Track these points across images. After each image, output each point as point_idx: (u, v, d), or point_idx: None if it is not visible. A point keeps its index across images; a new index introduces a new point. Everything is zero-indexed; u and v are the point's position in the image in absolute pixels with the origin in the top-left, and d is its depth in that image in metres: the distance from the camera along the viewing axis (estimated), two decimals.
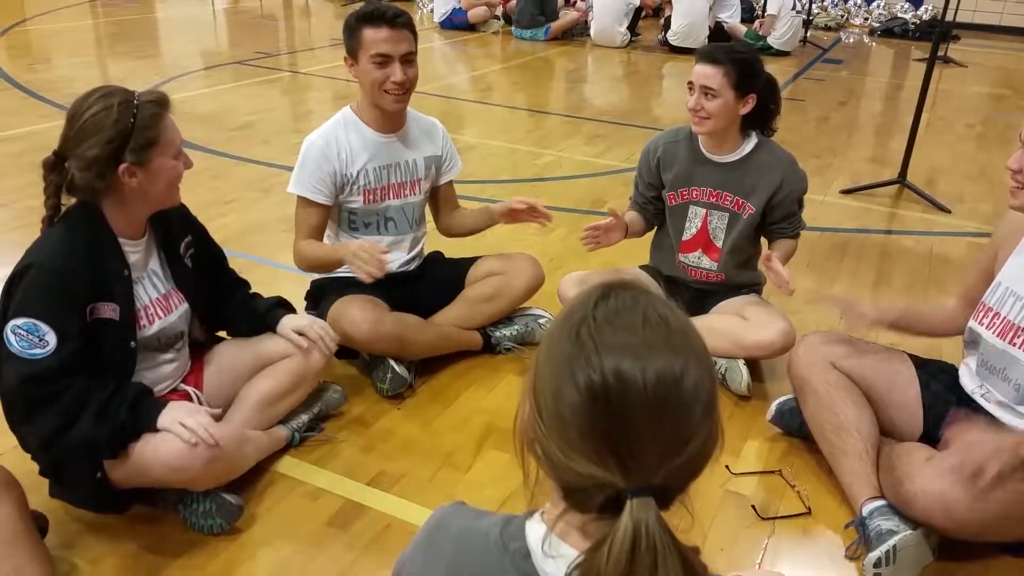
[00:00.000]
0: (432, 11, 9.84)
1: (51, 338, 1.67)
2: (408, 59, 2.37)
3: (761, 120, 2.53)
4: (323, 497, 2.03)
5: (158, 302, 1.93)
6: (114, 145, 1.71)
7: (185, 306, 2.01)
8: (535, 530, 0.91)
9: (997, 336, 1.92)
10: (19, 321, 1.66)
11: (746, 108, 2.42)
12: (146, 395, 1.81)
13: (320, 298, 2.55)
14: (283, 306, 2.24)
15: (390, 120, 2.49)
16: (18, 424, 1.76)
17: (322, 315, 2.45)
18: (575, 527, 0.87)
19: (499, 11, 9.74)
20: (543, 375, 0.85)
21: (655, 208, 2.71)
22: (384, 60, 2.33)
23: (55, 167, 1.75)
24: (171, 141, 1.81)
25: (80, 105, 1.74)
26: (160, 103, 1.79)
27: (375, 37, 2.32)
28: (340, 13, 10.51)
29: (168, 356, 1.99)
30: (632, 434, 0.79)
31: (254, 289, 2.27)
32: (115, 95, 1.74)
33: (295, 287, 2.85)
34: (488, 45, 8.91)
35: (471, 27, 9.43)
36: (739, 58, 2.39)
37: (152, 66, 6.99)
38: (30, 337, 1.66)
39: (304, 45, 8.48)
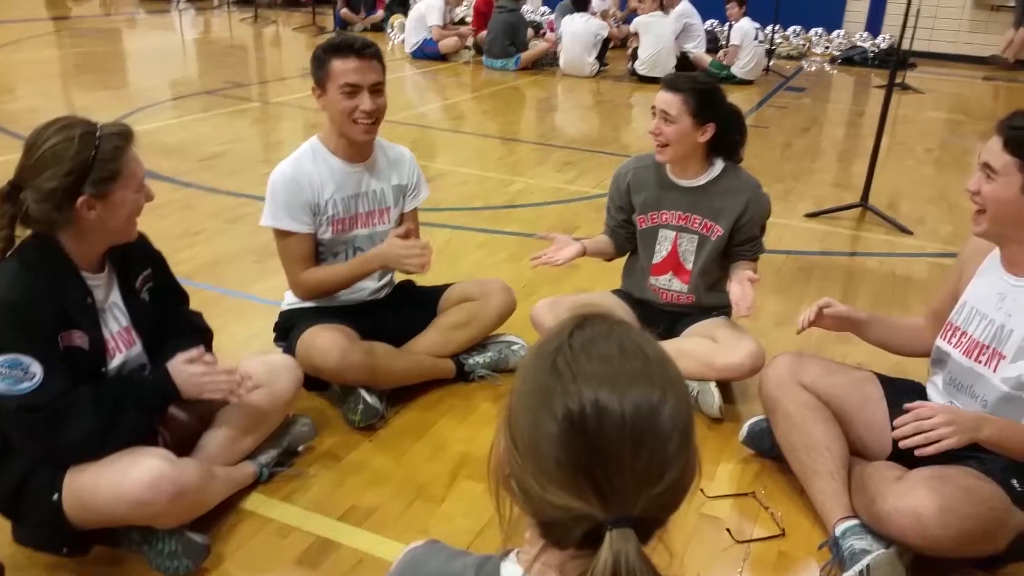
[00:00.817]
0: (403, 41, 9.90)
1: (36, 368, 1.65)
2: (377, 89, 2.38)
3: (726, 148, 2.56)
4: (292, 535, 1.99)
5: (119, 335, 1.90)
6: (73, 177, 1.68)
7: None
8: (511, 571, 0.89)
9: (963, 354, 1.96)
10: None
11: (704, 136, 2.46)
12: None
13: (289, 329, 2.52)
14: (197, 333, 2.09)
15: (357, 150, 2.49)
16: (41, 450, 1.72)
17: (291, 347, 2.43)
18: (553, 567, 0.85)
19: (470, 41, 9.82)
20: (519, 406, 0.84)
21: (626, 232, 2.73)
22: (353, 90, 2.34)
23: (9, 197, 1.71)
24: (133, 174, 1.78)
25: (39, 135, 1.71)
26: (123, 135, 1.77)
27: (344, 67, 2.32)
28: (311, 44, 10.54)
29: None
30: (610, 463, 0.78)
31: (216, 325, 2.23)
32: (76, 126, 1.71)
33: (264, 318, 2.84)
34: (459, 75, 8.98)
35: (442, 57, 9.50)
36: (699, 88, 2.45)
37: (119, 97, 6.94)
38: (14, 373, 1.63)
39: (275, 75, 8.48)
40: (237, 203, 4.33)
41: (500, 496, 0.88)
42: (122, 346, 1.90)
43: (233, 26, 11.88)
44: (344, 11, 11.42)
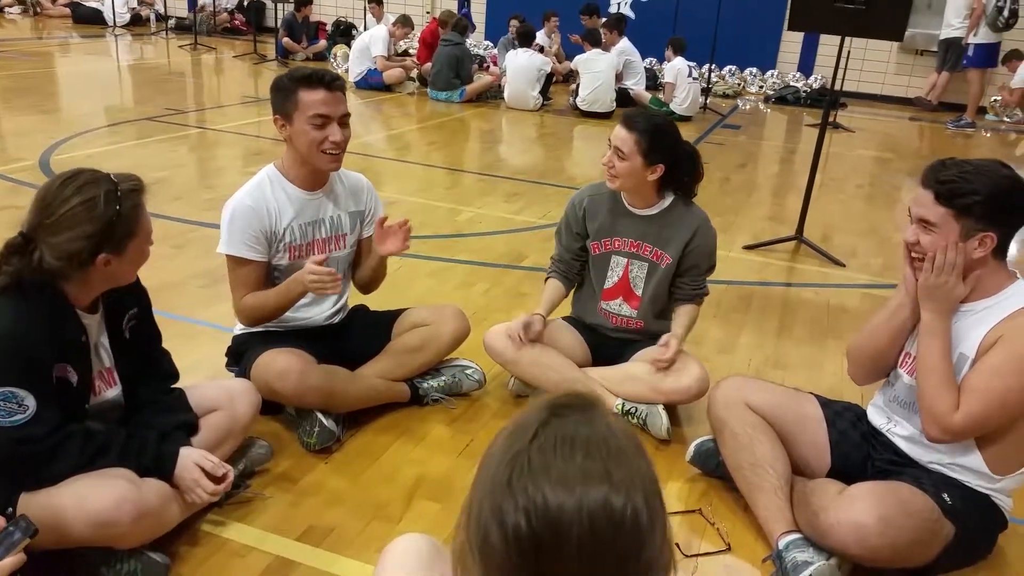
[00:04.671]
0: (347, 71, 9.95)
1: (30, 401, 1.67)
2: (344, 121, 2.42)
3: (677, 186, 2.68)
4: (251, 554, 2.00)
5: (102, 374, 1.93)
6: (96, 239, 1.71)
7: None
8: None
9: (909, 374, 2.08)
10: None
11: (653, 176, 2.57)
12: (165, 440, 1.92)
13: (242, 353, 2.52)
14: (184, 428, 2.06)
15: (316, 177, 2.52)
16: (21, 476, 1.73)
17: (244, 370, 2.43)
18: None
19: (414, 73, 9.92)
20: (475, 505, 0.80)
21: (580, 263, 2.82)
22: (324, 121, 2.36)
23: (20, 250, 1.71)
24: (147, 229, 1.83)
25: (58, 194, 1.71)
26: (139, 191, 1.80)
27: (313, 99, 2.35)
28: (253, 72, 10.51)
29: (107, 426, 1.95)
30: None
31: (175, 349, 2.22)
32: (98, 184, 1.73)
33: (213, 344, 2.84)
34: (404, 105, 9.05)
35: (387, 88, 9.57)
36: (652, 130, 2.55)
37: (54, 121, 6.80)
38: (8, 405, 1.65)
39: (213, 102, 8.42)
40: (182, 229, 4.30)
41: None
42: (104, 386, 1.93)
43: (171, 52, 11.76)
44: (286, 40, 11.42)
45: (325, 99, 2.36)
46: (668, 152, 2.57)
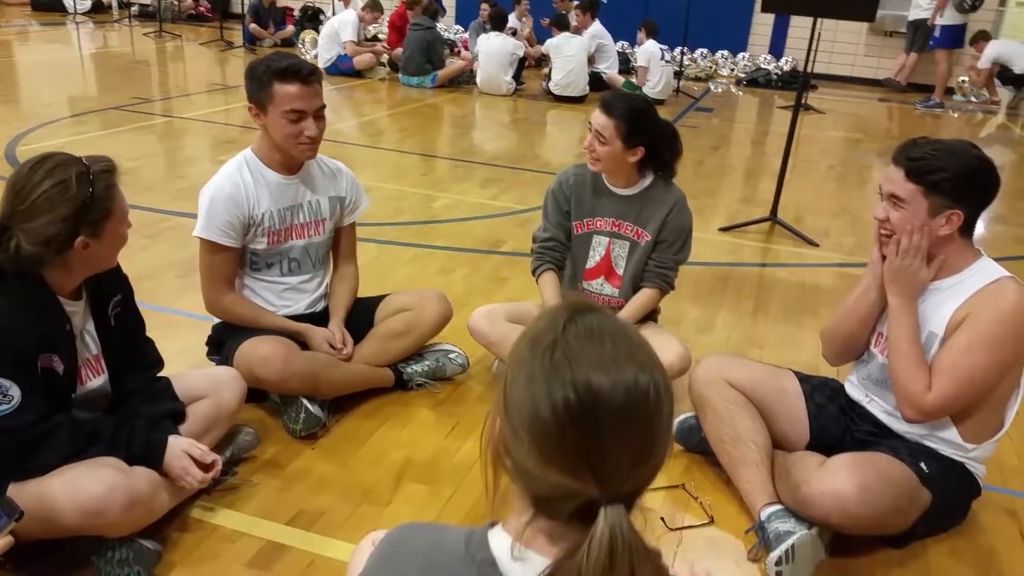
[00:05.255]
0: (316, 56, 9.85)
1: (15, 391, 1.66)
2: (319, 114, 2.40)
3: (658, 164, 2.70)
4: (241, 540, 2.01)
5: (89, 363, 1.92)
6: (72, 221, 1.70)
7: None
8: (499, 539, 0.96)
9: (883, 353, 2.13)
10: None
11: (634, 158, 2.60)
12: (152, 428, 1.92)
13: (224, 342, 2.52)
14: (171, 417, 2.06)
15: (292, 163, 2.51)
16: (8, 467, 1.72)
17: (227, 359, 2.43)
18: (542, 532, 0.93)
19: (385, 58, 9.86)
20: (517, 394, 0.91)
21: (568, 244, 2.81)
22: (299, 116, 2.35)
23: None
24: (122, 209, 1.82)
25: (28, 179, 1.70)
26: (112, 172, 1.79)
27: (288, 93, 2.32)
28: (219, 59, 10.38)
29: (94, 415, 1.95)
30: (606, 447, 0.86)
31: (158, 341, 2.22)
32: (68, 166, 1.72)
33: (192, 333, 2.83)
34: (375, 91, 9.00)
35: (357, 73, 9.51)
36: (631, 113, 2.56)
37: (16, 112, 6.68)
38: None
39: (180, 91, 8.31)
40: (155, 219, 4.27)
41: (490, 471, 0.95)
42: (91, 374, 1.92)
43: (136, 40, 11.57)
44: (253, 26, 11.28)
45: (300, 93, 2.33)
46: (648, 134, 2.60)
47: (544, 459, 0.87)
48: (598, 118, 2.58)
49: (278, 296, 2.59)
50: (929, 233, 1.96)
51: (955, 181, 1.91)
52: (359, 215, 2.74)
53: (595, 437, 0.86)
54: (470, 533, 0.99)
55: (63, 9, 13.24)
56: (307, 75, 2.34)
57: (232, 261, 2.48)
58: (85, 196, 1.71)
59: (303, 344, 2.50)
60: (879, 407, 2.16)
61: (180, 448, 1.92)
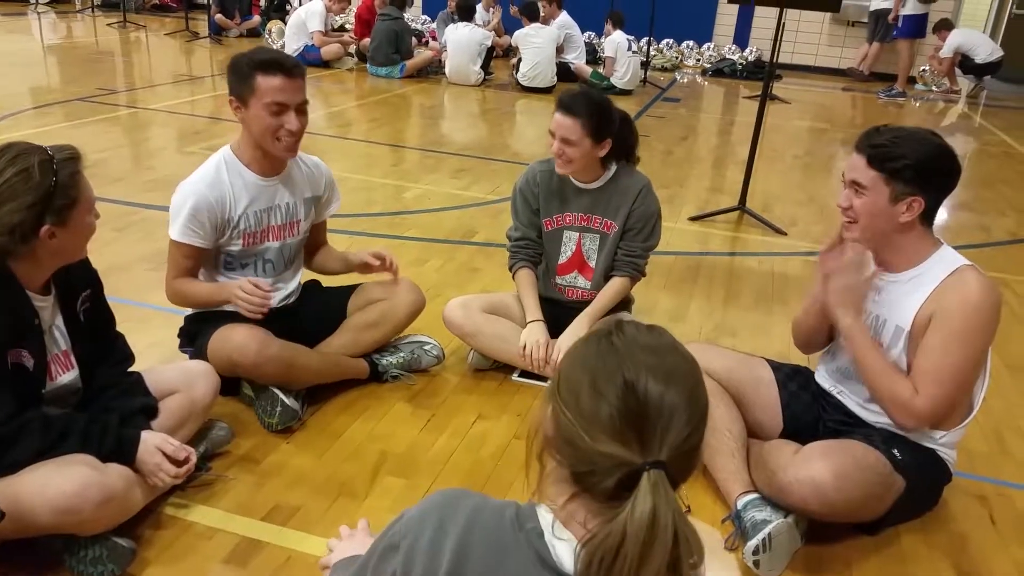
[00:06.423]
0: (283, 47, 9.73)
1: None
2: (302, 108, 2.36)
3: (622, 152, 2.71)
4: (217, 536, 1.99)
5: (58, 358, 1.88)
6: (36, 209, 1.66)
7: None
8: (545, 516, 1.03)
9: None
10: None
11: (603, 151, 2.60)
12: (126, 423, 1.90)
13: (196, 333, 2.49)
14: (144, 412, 2.03)
15: (272, 163, 2.46)
16: None
17: (200, 351, 2.40)
18: (580, 510, 0.99)
19: (352, 49, 9.77)
20: (575, 376, 1.01)
21: (541, 241, 2.81)
22: (280, 109, 2.30)
23: None
24: (88, 198, 1.78)
25: None
26: (76, 159, 1.75)
27: (271, 85, 2.28)
28: (185, 49, 10.22)
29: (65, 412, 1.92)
30: (653, 418, 0.95)
31: (127, 337, 2.18)
32: (30, 154, 1.68)
33: (164, 327, 2.80)
34: (343, 82, 8.91)
35: (325, 64, 9.41)
36: (595, 109, 2.54)
37: None
38: None
39: (145, 82, 8.17)
40: (124, 211, 4.20)
41: (536, 458, 1.04)
42: (60, 370, 1.89)
43: (99, 31, 11.35)
44: (219, 16, 11.14)
45: (283, 86, 2.30)
46: (613, 123, 2.60)
47: (597, 429, 0.95)
48: (562, 121, 2.54)
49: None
50: (890, 218, 1.98)
51: (916, 168, 1.93)
52: (331, 213, 2.71)
53: (645, 409, 0.95)
54: (518, 505, 1.05)
55: None
56: (291, 68, 2.31)
57: (200, 258, 2.45)
58: (49, 184, 1.67)
59: (276, 333, 2.47)
60: (850, 399, 2.19)
61: (153, 444, 1.89)
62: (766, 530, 1.93)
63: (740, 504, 2.06)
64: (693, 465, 0.99)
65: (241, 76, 2.31)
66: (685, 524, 0.92)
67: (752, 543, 1.93)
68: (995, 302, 1.93)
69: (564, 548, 0.99)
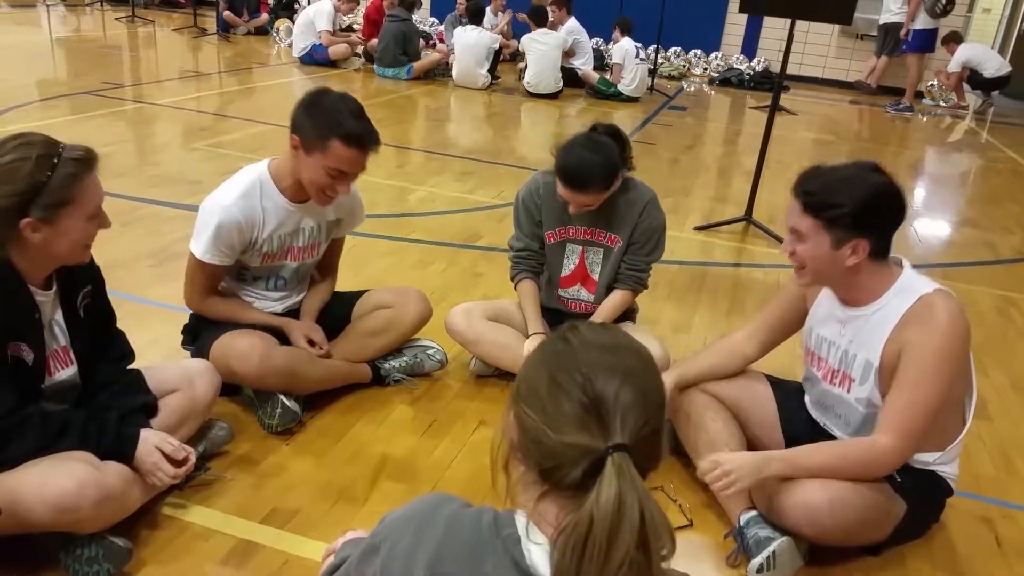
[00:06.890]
0: (291, 45, 9.74)
1: None
2: (357, 174, 2.33)
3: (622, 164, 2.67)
4: (214, 537, 1.97)
5: (57, 354, 1.87)
6: (20, 198, 1.64)
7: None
8: (521, 521, 1.05)
9: (823, 379, 2.13)
10: None
11: (616, 186, 2.56)
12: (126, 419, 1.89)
13: (200, 331, 2.47)
14: (143, 410, 2.01)
15: (305, 192, 2.39)
16: None
17: (203, 350, 2.38)
18: (553, 506, 1.01)
19: (360, 49, 9.77)
20: (533, 375, 1.05)
21: (544, 252, 2.78)
22: (340, 175, 2.27)
23: None
24: (86, 203, 1.74)
25: None
26: (84, 162, 1.72)
27: (345, 156, 2.23)
28: (192, 45, 10.22)
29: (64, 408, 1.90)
30: (611, 404, 0.98)
31: (128, 333, 2.16)
32: (36, 146, 1.67)
33: (165, 324, 2.78)
34: (350, 82, 8.90)
35: (332, 63, 9.41)
36: (607, 171, 2.48)
37: None
38: None
39: (152, 77, 8.16)
40: (129, 206, 4.18)
41: (502, 469, 1.07)
42: (59, 365, 1.87)
43: (107, 25, 11.36)
44: (227, 14, 11.14)
45: (355, 159, 2.25)
46: (619, 165, 2.53)
47: (560, 422, 0.98)
48: (579, 199, 2.50)
49: (256, 299, 2.56)
50: (835, 263, 1.90)
51: (854, 214, 1.84)
52: (349, 231, 2.70)
53: (602, 396, 0.98)
54: (495, 511, 1.07)
55: None
56: (372, 145, 2.26)
57: (222, 274, 2.44)
58: (41, 177, 1.65)
59: (281, 339, 2.46)
60: (835, 431, 2.15)
61: (152, 443, 1.88)
62: (770, 548, 1.91)
63: (743, 520, 2.03)
64: (658, 450, 1.02)
65: (319, 130, 2.23)
66: (652, 505, 0.94)
67: (756, 561, 1.91)
68: (962, 331, 1.86)
69: (539, 552, 1.01)
